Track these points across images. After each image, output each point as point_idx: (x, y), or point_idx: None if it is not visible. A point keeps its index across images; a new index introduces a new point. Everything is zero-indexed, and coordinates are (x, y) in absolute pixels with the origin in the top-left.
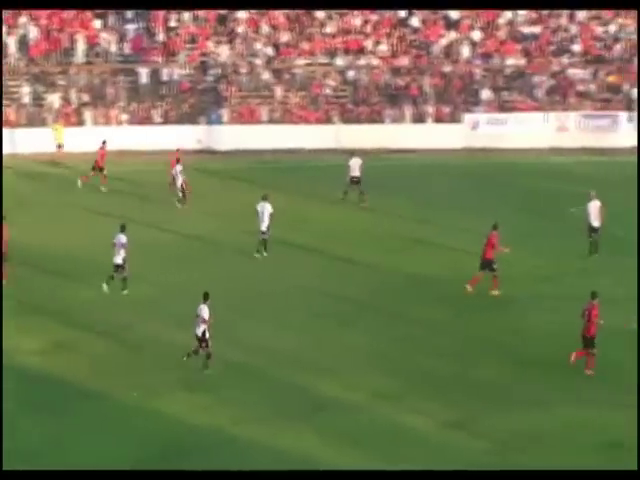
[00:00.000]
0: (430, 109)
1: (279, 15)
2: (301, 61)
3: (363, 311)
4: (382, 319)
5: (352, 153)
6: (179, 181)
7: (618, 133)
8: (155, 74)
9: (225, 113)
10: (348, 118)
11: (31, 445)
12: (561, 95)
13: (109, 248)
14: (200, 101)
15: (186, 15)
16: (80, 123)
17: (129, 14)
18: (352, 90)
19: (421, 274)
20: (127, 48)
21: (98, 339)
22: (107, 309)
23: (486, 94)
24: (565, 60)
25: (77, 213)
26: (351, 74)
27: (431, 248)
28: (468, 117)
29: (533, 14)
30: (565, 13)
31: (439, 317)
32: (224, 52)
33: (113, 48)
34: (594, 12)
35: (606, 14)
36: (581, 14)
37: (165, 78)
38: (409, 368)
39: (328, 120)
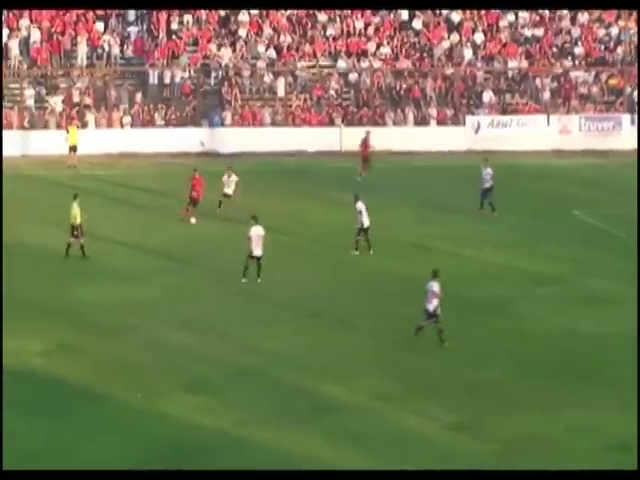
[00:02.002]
0: (432, 112)
1: (281, 17)
2: (303, 64)
3: (365, 313)
4: (384, 321)
5: (486, 160)
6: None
7: (621, 135)
8: (159, 76)
9: (227, 116)
10: (350, 121)
11: (34, 447)
12: (563, 98)
13: (117, 252)
14: (202, 104)
15: (188, 17)
16: (83, 126)
17: (131, 16)
18: (354, 93)
19: (424, 276)
20: (129, 51)
21: (102, 340)
22: (110, 310)
23: (488, 97)
24: (567, 63)
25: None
26: (353, 77)
27: (434, 250)
28: (470, 119)
29: (535, 16)
30: (567, 15)
31: (443, 319)
32: (226, 54)
33: (115, 51)
34: (596, 15)
35: (608, 16)
36: (583, 17)
37: (167, 81)
38: (411, 370)
39: (331, 122)
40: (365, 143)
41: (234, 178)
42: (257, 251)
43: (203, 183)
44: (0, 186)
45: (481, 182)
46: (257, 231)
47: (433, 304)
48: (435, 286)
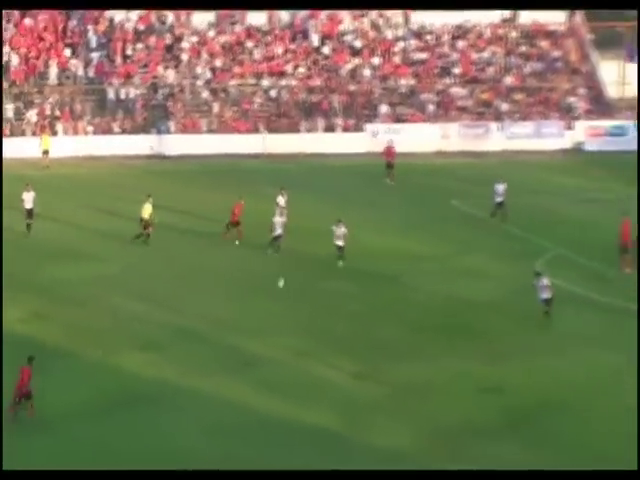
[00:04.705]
0: (339, 121)
1: (215, 44)
2: (234, 82)
3: (285, 285)
4: (301, 291)
5: (501, 177)
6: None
7: (489, 139)
8: (116, 93)
9: (172, 125)
10: (272, 128)
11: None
12: (444, 109)
13: (83, 237)
14: (151, 115)
15: (140, 45)
16: (54, 133)
17: (93, 44)
18: (275, 105)
19: (332, 254)
20: (91, 72)
21: (70, 309)
22: (76, 285)
23: (384, 108)
24: (448, 81)
25: (58, 207)
26: (274, 92)
27: None
28: (369, 127)
29: (421, 43)
30: (447, 42)
31: (346, 289)
32: (171, 75)
33: (80, 72)
34: (471, 41)
35: (480, 43)
36: (460, 43)
37: (123, 97)
38: (322, 330)
39: (256, 130)
40: (389, 150)
41: (286, 197)
42: (340, 242)
43: (243, 210)
44: (0, 187)
45: (495, 196)
46: (342, 230)
47: (545, 294)
48: (545, 280)
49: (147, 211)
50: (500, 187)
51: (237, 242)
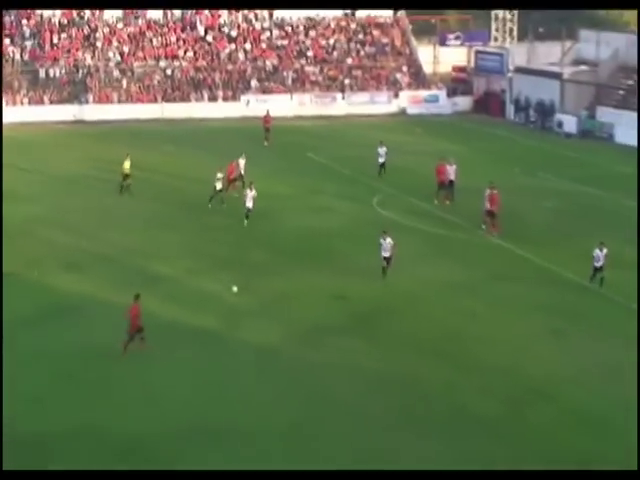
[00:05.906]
0: (219, 93)
1: (123, 34)
2: (138, 64)
3: (179, 219)
4: (192, 225)
5: (381, 142)
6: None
7: (335, 106)
8: (46, 72)
9: (90, 97)
10: (168, 99)
11: None
12: (300, 83)
13: (20, 183)
14: (74, 90)
15: (63, 35)
16: None
17: (27, 34)
18: (170, 82)
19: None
20: (26, 56)
21: (12, 241)
22: (16, 222)
23: (254, 83)
24: (303, 61)
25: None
26: (169, 71)
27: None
28: (243, 97)
29: (282, 32)
30: (302, 31)
31: (227, 222)
32: (88, 58)
33: (17, 57)
34: (320, 31)
35: (327, 32)
36: (312, 32)
37: (52, 75)
38: (210, 254)
39: (155, 101)
40: (266, 118)
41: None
42: (249, 204)
43: (234, 170)
44: (0, 166)
45: (378, 157)
46: (252, 193)
47: (387, 252)
48: (389, 239)
49: (127, 166)
50: (381, 150)
51: (236, 194)
